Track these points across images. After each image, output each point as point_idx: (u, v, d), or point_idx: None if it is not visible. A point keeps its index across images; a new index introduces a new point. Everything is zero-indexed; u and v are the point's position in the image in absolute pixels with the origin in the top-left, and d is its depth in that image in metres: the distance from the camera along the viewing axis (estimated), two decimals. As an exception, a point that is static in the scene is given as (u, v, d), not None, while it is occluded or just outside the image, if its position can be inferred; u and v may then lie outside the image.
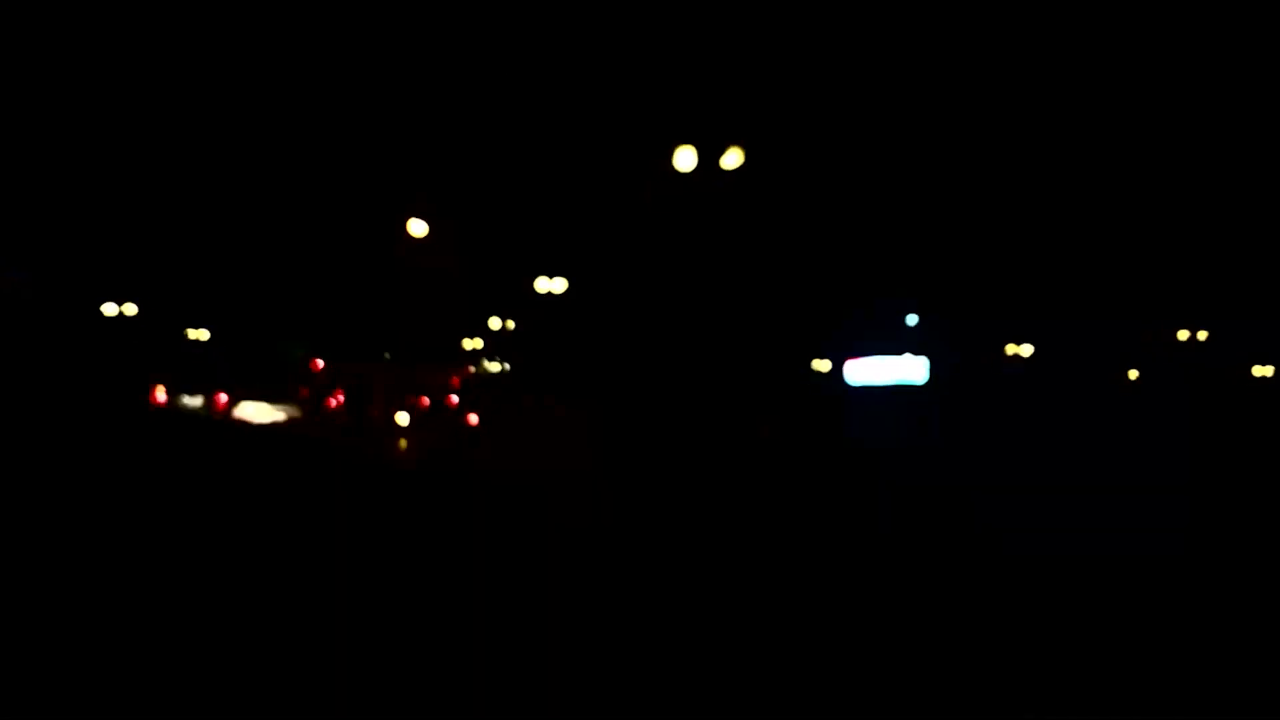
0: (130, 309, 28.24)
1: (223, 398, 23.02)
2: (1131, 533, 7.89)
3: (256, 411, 24.41)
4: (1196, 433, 16.15)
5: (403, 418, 23.42)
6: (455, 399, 25.40)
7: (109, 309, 27.69)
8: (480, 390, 27.10)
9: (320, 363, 26.90)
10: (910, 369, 27.88)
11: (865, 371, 28.29)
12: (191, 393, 24.84)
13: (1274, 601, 5.86)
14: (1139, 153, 27.78)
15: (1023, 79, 25.90)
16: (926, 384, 27.69)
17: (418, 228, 22.64)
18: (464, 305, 28.04)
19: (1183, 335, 31.58)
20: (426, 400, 25.66)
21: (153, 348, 27.64)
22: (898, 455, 16.34)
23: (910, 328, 28.99)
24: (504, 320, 27.79)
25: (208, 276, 28.54)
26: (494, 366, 29.84)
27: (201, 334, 29.22)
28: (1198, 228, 28.95)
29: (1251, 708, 3.95)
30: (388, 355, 28.52)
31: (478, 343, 29.33)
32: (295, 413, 24.84)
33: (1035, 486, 10.63)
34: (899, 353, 28.04)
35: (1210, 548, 7.62)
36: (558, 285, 21.50)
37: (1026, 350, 31.86)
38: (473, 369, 28.87)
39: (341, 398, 25.70)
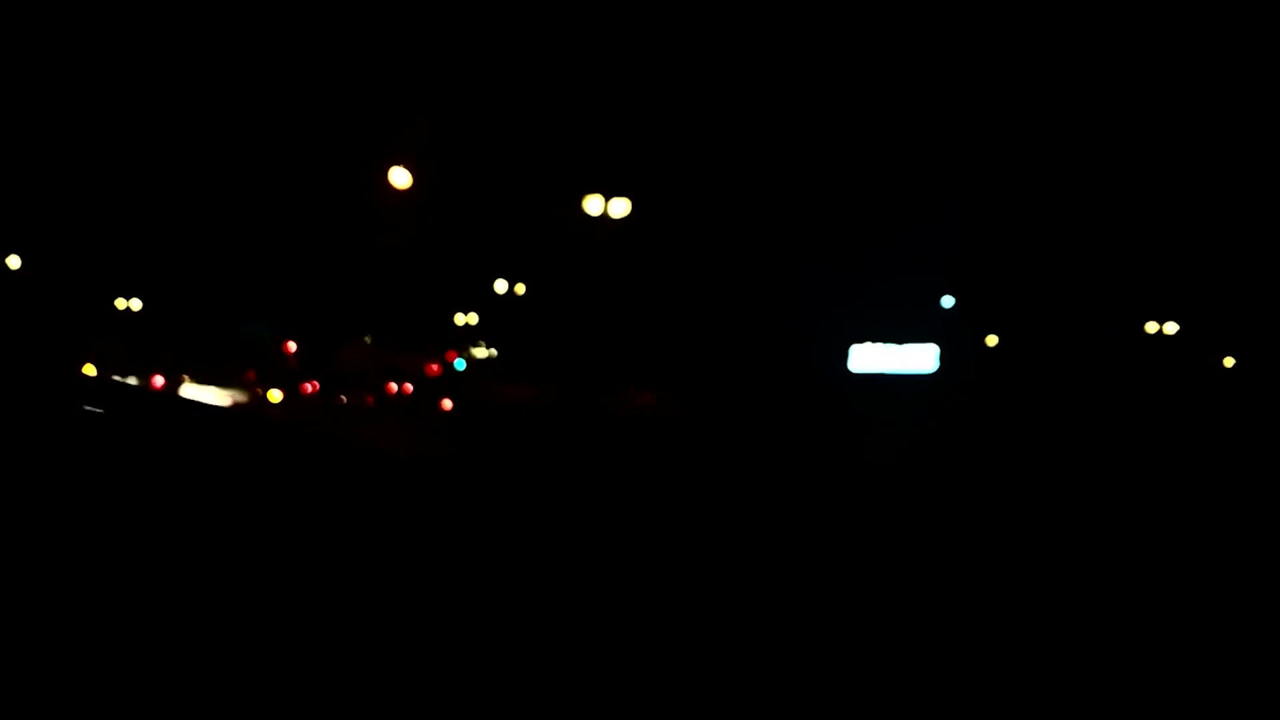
0: (35, 271, 25.20)
1: (159, 380, 20.18)
2: (1131, 532, 8.23)
3: (214, 400, 21.92)
4: (1197, 432, 17.16)
5: (385, 406, 21.89)
6: (444, 386, 24.18)
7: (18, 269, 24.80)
8: (474, 375, 25.90)
9: (293, 346, 25.12)
10: (919, 358, 27.16)
11: (871, 359, 27.64)
12: (127, 378, 22.24)
13: (1274, 601, 5.74)
14: (1152, 153, 28.26)
15: (1029, 78, 26.77)
16: (935, 374, 27.15)
17: (400, 177, 19.50)
18: (458, 271, 25.67)
19: (1184, 333, 32.64)
20: (410, 387, 24.64)
21: (88, 324, 24.83)
22: (901, 448, 16.62)
23: (918, 317, 28.62)
24: (510, 285, 25.62)
25: (156, 243, 25.55)
26: (481, 352, 27.91)
27: (135, 304, 26.55)
28: (1205, 227, 29.56)
29: (1251, 707, 3.07)
30: (368, 339, 26.88)
31: (472, 318, 27.20)
32: (262, 402, 22.78)
33: (1035, 485, 11.18)
34: (906, 341, 27.59)
35: (1210, 548, 7.79)
36: (597, 206, 18.79)
37: (1030, 345, 32.23)
38: (460, 353, 26.92)
39: (317, 385, 24.20)
